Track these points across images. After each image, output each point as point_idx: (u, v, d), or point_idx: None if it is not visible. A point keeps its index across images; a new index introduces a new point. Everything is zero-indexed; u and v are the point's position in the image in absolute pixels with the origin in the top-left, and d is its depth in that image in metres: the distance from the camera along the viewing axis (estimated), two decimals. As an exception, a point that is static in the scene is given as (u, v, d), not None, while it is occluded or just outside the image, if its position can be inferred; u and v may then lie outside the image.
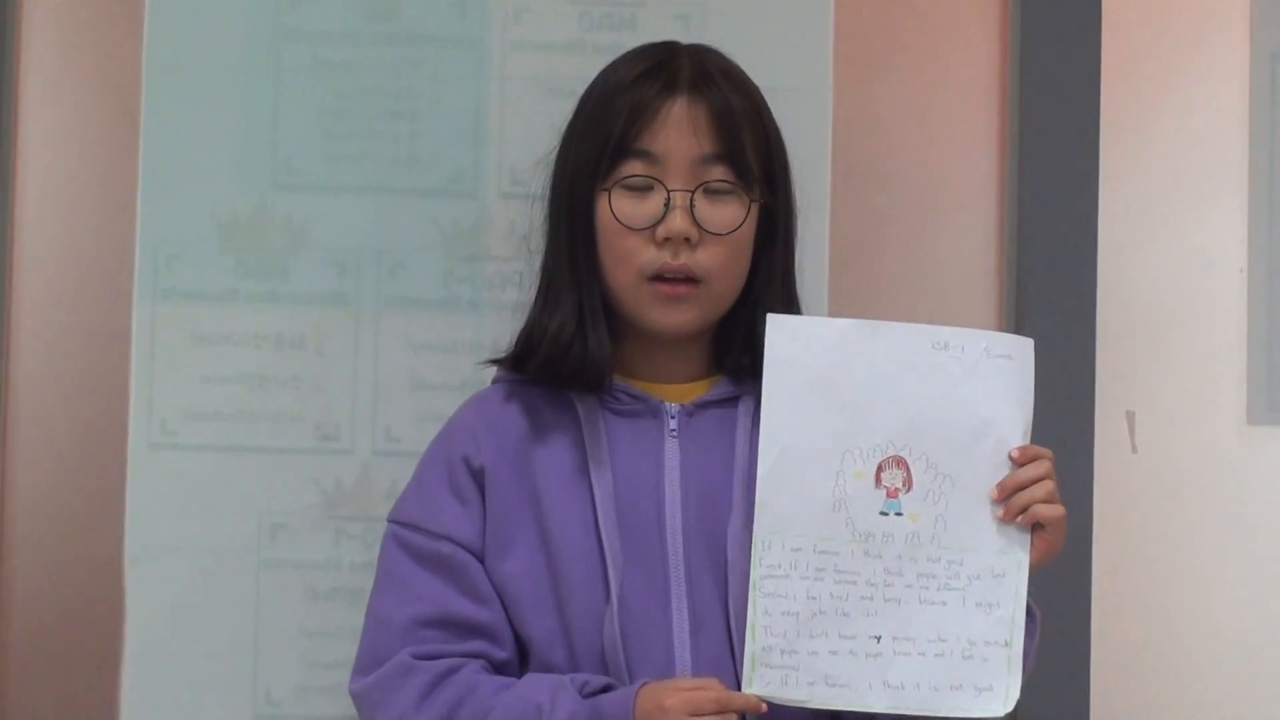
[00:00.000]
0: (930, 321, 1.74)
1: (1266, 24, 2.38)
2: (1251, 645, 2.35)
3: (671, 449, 1.75)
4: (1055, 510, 1.68)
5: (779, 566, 1.66)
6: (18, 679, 2.19)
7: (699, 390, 1.79)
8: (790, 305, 1.81)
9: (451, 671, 1.70)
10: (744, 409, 1.77)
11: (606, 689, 1.67)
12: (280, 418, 2.08)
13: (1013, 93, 2.30)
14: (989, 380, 1.68)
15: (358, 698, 1.75)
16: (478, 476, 1.75)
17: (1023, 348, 1.71)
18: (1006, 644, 1.66)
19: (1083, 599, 2.24)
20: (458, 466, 1.76)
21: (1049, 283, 2.26)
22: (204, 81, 2.08)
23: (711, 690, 1.63)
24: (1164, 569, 2.34)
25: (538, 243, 1.84)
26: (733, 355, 1.80)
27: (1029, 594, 1.69)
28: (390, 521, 1.79)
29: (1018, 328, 2.23)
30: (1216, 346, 2.35)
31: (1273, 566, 2.36)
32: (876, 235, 2.29)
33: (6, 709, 2.19)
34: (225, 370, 2.07)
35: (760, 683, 1.64)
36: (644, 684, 1.65)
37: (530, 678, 1.70)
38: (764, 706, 1.65)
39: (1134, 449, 2.34)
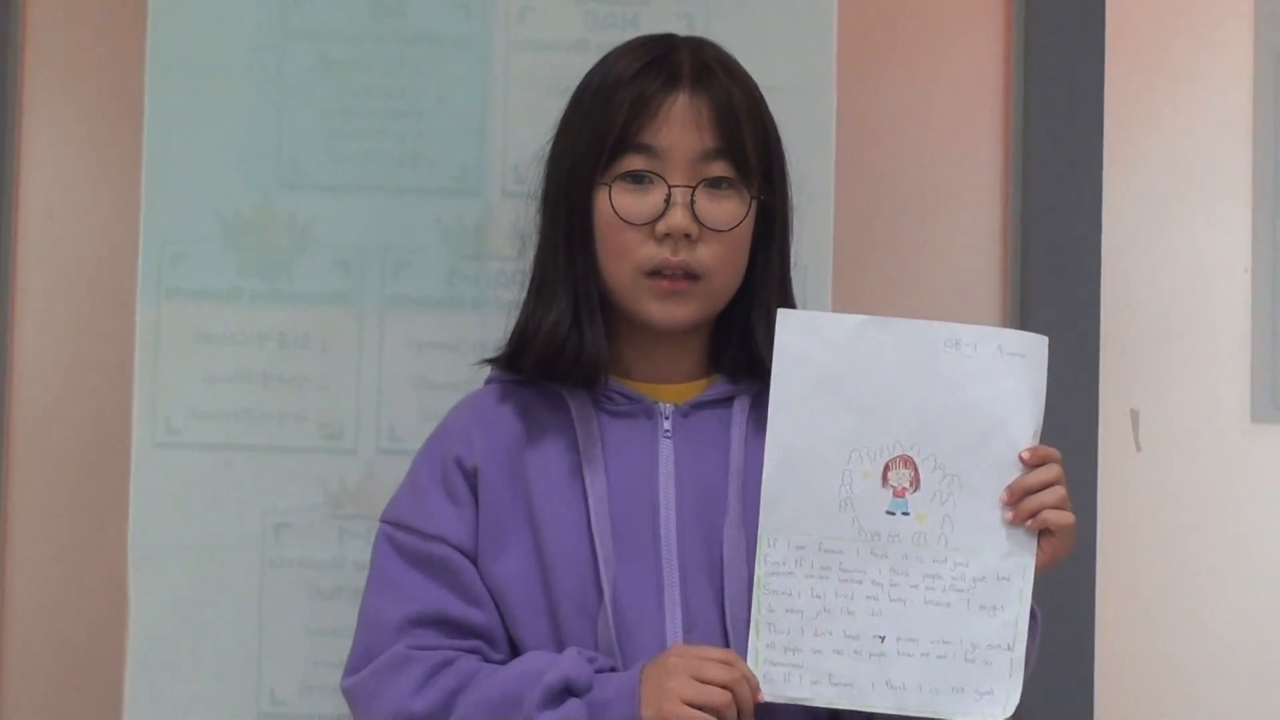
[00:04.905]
0: (935, 320, 1.73)
1: (1271, 23, 2.37)
2: (1257, 643, 2.35)
3: (666, 450, 1.74)
4: (1065, 518, 1.66)
5: (784, 564, 1.66)
6: (21, 677, 2.20)
7: (695, 390, 1.78)
8: (787, 302, 1.79)
9: (448, 662, 1.69)
10: (739, 408, 1.76)
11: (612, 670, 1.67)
12: (284, 417, 2.08)
13: (1017, 91, 2.30)
14: (1001, 379, 1.67)
15: (350, 693, 1.74)
16: (470, 478, 1.74)
17: (1036, 345, 1.69)
18: (1009, 648, 1.65)
19: (1087, 596, 2.24)
20: (451, 467, 1.75)
21: (1053, 281, 2.26)
22: (208, 80, 2.08)
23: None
24: (1168, 567, 2.35)
25: (532, 239, 1.82)
26: (729, 353, 1.78)
27: (1031, 594, 1.68)
28: (382, 522, 1.78)
29: (1021, 325, 2.22)
30: (1221, 345, 2.36)
31: (1277, 563, 2.36)
32: (880, 234, 2.29)
33: (10, 707, 2.19)
34: (229, 369, 2.07)
35: (764, 680, 1.64)
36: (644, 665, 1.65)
37: (533, 653, 1.69)
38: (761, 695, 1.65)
39: (1138, 447, 2.34)
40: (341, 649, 1.94)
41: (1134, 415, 2.34)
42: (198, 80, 2.07)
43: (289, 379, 2.08)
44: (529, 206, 1.87)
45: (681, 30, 1.89)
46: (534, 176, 1.83)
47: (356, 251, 2.09)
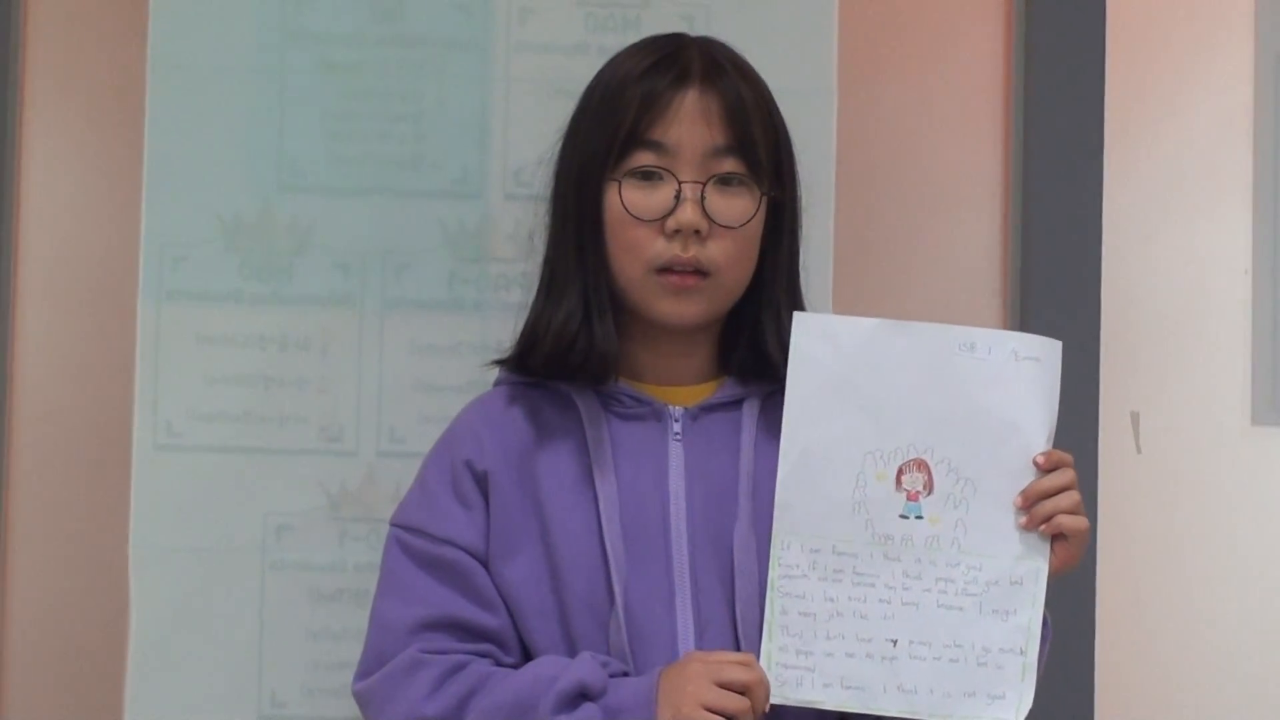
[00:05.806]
0: (935, 322, 1.73)
1: (1272, 24, 2.38)
2: (1256, 644, 2.36)
3: (676, 453, 1.74)
4: (1079, 523, 1.66)
5: (797, 567, 1.66)
6: (22, 679, 2.20)
7: (705, 392, 1.77)
8: (795, 301, 1.80)
9: (461, 666, 1.68)
10: (749, 411, 1.76)
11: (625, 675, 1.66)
12: (285, 419, 2.07)
13: (1017, 93, 2.30)
14: (1015, 383, 1.67)
15: (362, 697, 1.73)
16: (481, 481, 1.74)
17: (1050, 350, 1.69)
18: (1021, 652, 1.65)
19: (1087, 598, 2.24)
20: (461, 471, 1.75)
21: (1053, 283, 2.26)
22: (208, 83, 2.07)
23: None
24: (1169, 569, 2.35)
25: (540, 241, 1.82)
26: (739, 354, 1.78)
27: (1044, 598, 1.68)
28: (393, 525, 1.77)
29: (1022, 327, 2.23)
30: (1221, 347, 2.36)
31: (1277, 564, 2.37)
32: (881, 236, 2.29)
33: (10, 709, 2.19)
34: (230, 371, 2.07)
35: (776, 683, 1.64)
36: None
37: (546, 657, 1.69)
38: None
39: (1139, 449, 2.34)
40: (343, 651, 1.95)
41: (1134, 417, 2.34)
42: (199, 83, 2.07)
43: (290, 381, 2.08)
44: (531, 209, 1.87)
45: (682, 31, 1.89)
46: (541, 179, 1.82)
47: (357, 254, 2.09)
